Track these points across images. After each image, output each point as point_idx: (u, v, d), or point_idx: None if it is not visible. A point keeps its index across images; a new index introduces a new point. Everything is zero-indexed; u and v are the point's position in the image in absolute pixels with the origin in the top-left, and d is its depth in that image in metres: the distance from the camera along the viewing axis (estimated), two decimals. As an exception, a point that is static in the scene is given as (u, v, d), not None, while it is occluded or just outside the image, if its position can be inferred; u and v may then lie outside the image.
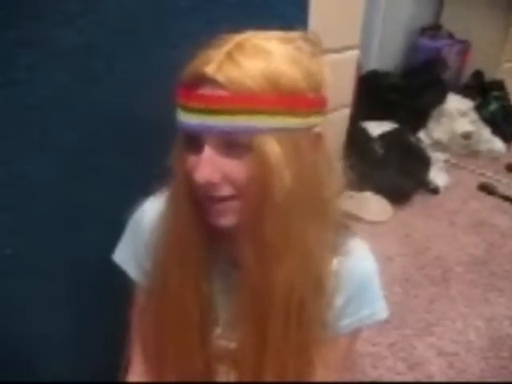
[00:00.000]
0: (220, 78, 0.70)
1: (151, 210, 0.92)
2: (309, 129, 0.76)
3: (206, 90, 0.72)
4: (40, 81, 0.97)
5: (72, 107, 1.02)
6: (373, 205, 2.72)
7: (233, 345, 0.90)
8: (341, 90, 2.47)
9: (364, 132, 2.98)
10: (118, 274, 0.99)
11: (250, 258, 0.78)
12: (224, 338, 0.92)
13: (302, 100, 0.74)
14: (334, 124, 2.47)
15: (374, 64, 3.61)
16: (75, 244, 1.13)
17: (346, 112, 2.58)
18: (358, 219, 2.58)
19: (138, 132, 1.11)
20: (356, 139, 2.74)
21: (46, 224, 1.08)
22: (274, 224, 0.75)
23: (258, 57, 0.72)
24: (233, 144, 0.73)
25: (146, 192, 0.94)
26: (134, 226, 0.97)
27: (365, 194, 2.73)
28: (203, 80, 0.71)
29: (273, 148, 0.72)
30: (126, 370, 1.00)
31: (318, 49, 0.80)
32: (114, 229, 0.99)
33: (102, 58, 1.03)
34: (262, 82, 0.70)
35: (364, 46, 3.00)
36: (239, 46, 0.73)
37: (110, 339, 1.01)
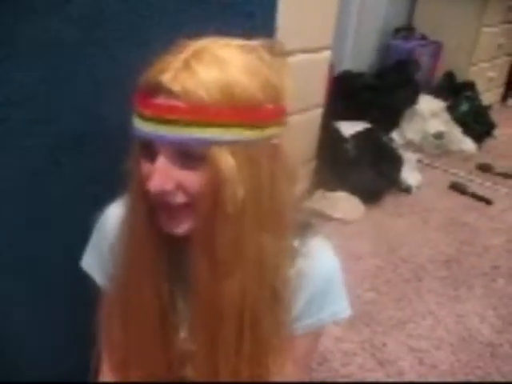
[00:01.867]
0: (175, 88, 0.69)
1: (115, 214, 0.92)
2: (266, 140, 0.76)
3: (161, 100, 0.71)
4: (5, 78, 0.95)
5: (38, 105, 1.01)
6: (345, 204, 2.73)
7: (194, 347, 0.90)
8: (313, 90, 2.48)
9: (337, 132, 3.00)
10: (87, 279, 0.99)
11: (202, 267, 0.78)
12: (188, 341, 0.92)
13: (259, 112, 0.73)
14: (307, 124, 2.49)
15: (347, 64, 3.64)
16: (43, 244, 1.12)
17: (318, 112, 2.59)
18: (330, 218, 2.60)
19: (106, 132, 1.10)
20: (329, 139, 2.76)
21: (11, 224, 1.07)
22: (225, 235, 0.75)
23: (215, 66, 0.71)
24: (187, 154, 0.72)
25: (114, 192, 0.93)
26: (99, 232, 0.97)
27: (337, 194, 2.74)
28: (159, 88, 0.71)
29: (226, 160, 0.71)
30: (96, 372, 1.00)
31: (280, 58, 0.79)
32: (83, 229, 0.98)
33: (70, 57, 1.02)
34: (217, 93, 0.69)
35: (337, 46, 3.02)
36: (197, 54, 0.72)
37: (81, 340, 1.00)
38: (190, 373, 0.96)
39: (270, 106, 0.75)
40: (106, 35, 1.05)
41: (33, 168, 1.05)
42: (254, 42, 0.78)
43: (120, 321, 0.91)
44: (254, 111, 0.73)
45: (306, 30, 2.27)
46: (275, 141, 0.77)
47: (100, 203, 0.95)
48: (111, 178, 0.90)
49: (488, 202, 3.02)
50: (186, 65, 0.70)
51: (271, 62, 0.77)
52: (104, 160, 1.10)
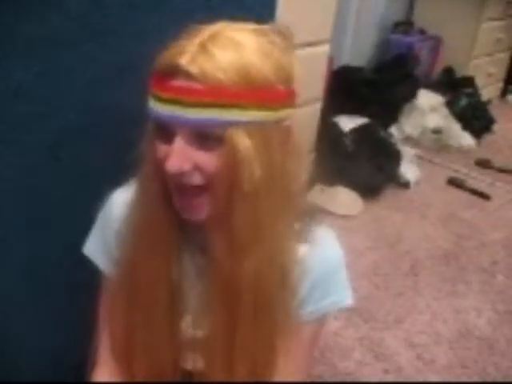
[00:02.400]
0: (193, 70, 0.70)
1: (120, 200, 0.92)
2: (279, 122, 0.77)
3: (179, 82, 0.72)
4: (8, 71, 0.95)
5: (37, 101, 1.01)
6: (343, 199, 2.73)
7: (199, 333, 0.90)
8: (312, 84, 2.47)
9: (335, 126, 2.99)
10: (86, 270, 0.98)
11: (219, 249, 0.79)
12: (192, 327, 0.93)
13: (273, 93, 0.75)
14: (306, 118, 2.48)
15: (346, 59, 3.63)
16: (43, 241, 1.12)
17: (317, 106, 2.59)
18: (328, 213, 2.59)
19: (107, 123, 1.10)
20: (327, 133, 2.75)
21: (11, 221, 1.07)
22: (242, 215, 0.77)
23: (231, 49, 0.72)
24: (204, 136, 0.73)
25: (114, 184, 0.94)
26: (104, 217, 0.97)
27: (336, 188, 2.74)
28: (177, 71, 0.72)
29: (243, 141, 0.73)
30: (93, 365, 0.99)
31: (289, 42, 0.81)
32: (83, 225, 0.99)
33: (68, 52, 1.01)
34: (234, 75, 0.71)
35: (337, 41, 3.01)
36: (213, 37, 0.73)
37: (79, 334, 1.00)
38: (190, 364, 0.97)
39: (282, 88, 0.76)
40: (105, 30, 1.05)
41: (32, 164, 1.05)
42: (265, 27, 0.79)
43: (125, 305, 0.91)
44: (268, 93, 0.74)
45: (305, 24, 2.26)
46: (287, 123, 0.79)
47: (100, 198, 0.95)
48: (111, 173, 0.90)
49: (486, 197, 3.02)
50: (203, 48, 0.72)
51: (282, 45, 0.78)
52: (103, 155, 1.10)
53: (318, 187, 2.63)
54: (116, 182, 0.94)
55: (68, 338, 1.17)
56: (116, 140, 1.03)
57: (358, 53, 3.77)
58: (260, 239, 0.79)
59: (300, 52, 2.48)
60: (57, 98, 1.03)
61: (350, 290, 0.93)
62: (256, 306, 0.82)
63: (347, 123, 3.06)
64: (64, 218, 1.11)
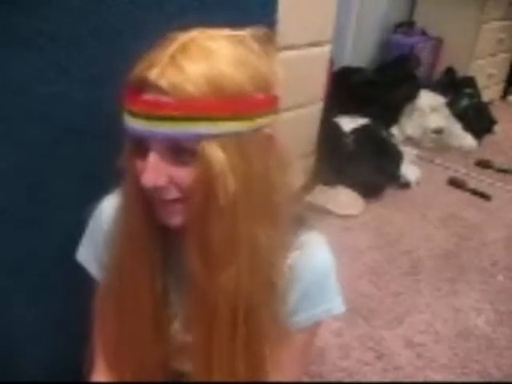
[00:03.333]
0: (163, 83, 0.69)
1: (109, 207, 0.92)
2: (257, 130, 0.75)
3: (149, 96, 0.71)
4: (5, 71, 0.95)
5: (37, 99, 1.01)
6: (344, 199, 2.74)
7: (189, 338, 0.90)
8: (313, 84, 2.48)
9: (336, 127, 3.00)
10: (83, 270, 0.99)
11: (196, 261, 0.78)
12: (182, 332, 0.93)
13: (249, 102, 0.73)
14: (307, 118, 2.49)
15: (347, 60, 3.63)
16: (38, 239, 1.12)
17: (318, 107, 2.60)
18: (329, 213, 2.60)
19: (107, 124, 1.09)
20: (328, 134, 2.76)
21: (9, 219, 1.07)
22: (219, 229, 0.75)
23: (202, 59, 0.71)
24: (177, 150, 0.73)
25: (113, 185, 0.93)
26: (94, 224, 0.97)
27: (337, 188, 2.75)
28: (147, 85, 0.71)
29: (217, 154, 0.71)
30: (89, 367, 1.00)
31: (269, 47, 0.79)
32: (82, 222, 0.98)
33: (68, 49, 1.02)
34: (205, 87, 0.69)
35: (338, 41, 3.02)
36: (183, 48, 0.72)
37: (76, 335, 1.01)
38: (182, 366, 0.96)
39: (260, 96, 0.75)
40: (106, 27, 1.05)
41: (31, 163, 1.05)
42: (242, 32, 0.78)
43: (113, 312, 0.91)
44: (242, 102, 0.73)
45: (306, 25, 2.27)
46: (268, 131, 0.77)
47: (98, 198, 0.95)
48: (111, 172, 0.90)
49: (487, 197, 3.02)
50: (173, 60, 0.70)
51: (260, 51, 0.77)
52: (103, 154, 1.10)
53: (319, 187, 2.64)
54: (116, 182, 0.92)
55: (65, 339, 1.17)
56: (116, 139, 1.03)
57: (359, 53, 3.78)
58: (238, 252, 0.77)
59: (301, 53, 2.51)
60: (57, 96, 1.03)
61: (342, 296, 0.92)
62: (235, 317, 0.80)
63: (348, 123, 3.07)
64: (63, 215, 1.11)
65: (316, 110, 2.58)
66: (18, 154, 1.03)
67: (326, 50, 2.52)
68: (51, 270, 1.15)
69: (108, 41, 1.06)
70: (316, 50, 2.43)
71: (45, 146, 1.05)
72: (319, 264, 0.89)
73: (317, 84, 2.53)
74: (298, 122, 2.27)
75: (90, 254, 0.99)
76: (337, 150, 2.82)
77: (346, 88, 3.30)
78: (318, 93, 2.55)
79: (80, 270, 1.00)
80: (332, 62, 2.79)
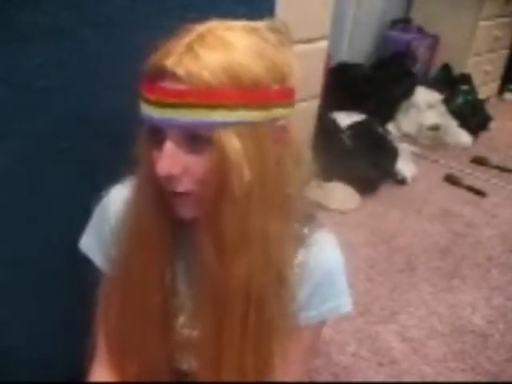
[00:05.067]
0: (179, 71, 0.70)
1: (118, 197, 0.92)
2: (272, 122, 0.76)
3: (166, 83, 0.71)
4: (4, 64, 0.95)
5: (37, 92, 1.00)
6: (340, 194, 2.74)
7: (195, 333, 0.90)
8: (310, 80, 2.48)
9: (333, 122, 3.00)
10: (85, 263, 0.99)
11: (208, 252, 0.78)
12: (187, 327, 0.92)
13: (265, 93, 0.74)
14: (303, 114, 2.49)
15: (344, 56, 3.64)
16: (42, 231, 1.12)
17: (314, 103, 2.59)
18: (325, 209, 2.61)
19: (107, 117, 1.10)
20: (325, 130, 2.76)
21: (10, 213, 1.07)
22: (232, 219, 0.75)
23: (219, 49, 0.71)
24: (194, 138, 0.73)
25: (113, 178, 0.94)
26: (101, 213, 0.96)
27: (333, 184, 2.75)
28: (163, 73, 0.71)
29: (232, 142, 0.72)
30: (90, 359, 0.99)
31: (285, 38, 0.79)
32: (82, 215, 0.98)
33: (68, 42, 1.01)
34: (222, 75, 0.70)
35: (335, 38, 3.02)
36: (200, 38, 0.72)
37: (77, 328, 1.00)
38: (184, 364, 0.96)
39: (276, 87, 0.75)
40: (105, 20, 1.04)
41: (31, 156, 1.05)
42: (259, 23, 0.78)
43: (120, 304, 0.91)
44: (258, 92, 0.73)
45: (303, 21, 2.26)
46: (282, 122, 0.78)
47: (99, 190, 0.95)
48: (111, 166, 0.90)
49: (482, 194, 3.03)
50: (190, 48, 0.71)
51: (276, 43, 0.77)
52: (103, 146, 1.10)
53: (315, 183, 2.63)
54: (116, 176, 0.93)
55: (66, 334, 1.17)
56: (116, 132, 1.02)
57: (356, 50, 3.78)
58: (251, 243, 0.77)
59: (298, 48, 2.48)
60: (57, 88, 1.02)
61: (349, 295, 0.92)
62: (246, 310, 0.80)
63: (345, 119, 3.07)
64: (63, 208, 1.11)
65: (313, 105, 2.58)
66: (16, 149, 1.02)
67: (323, 45, 2.51)
68: (51, 264, 1.14)
69: (108, 34, 1.06)
70: (313, 46, 2.43)
71: (43, 141, 1.05)
72: (330, 262, 0.89)
73: (314, 80, 2.53)
74: (294, 118, 2.26)
75: (95, 242, 0.98)
76: (333, 146, 2.82)
77: (343, 84, 3.30)
78: (314, 88, 2.55)
79: (80, 265, 0.99)
80: (329, 57, 2.79)
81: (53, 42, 0.99)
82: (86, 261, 0.99)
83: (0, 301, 1.12)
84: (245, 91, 0.71)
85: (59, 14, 0.98)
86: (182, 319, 0.93)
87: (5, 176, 1.03)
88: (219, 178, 0.73)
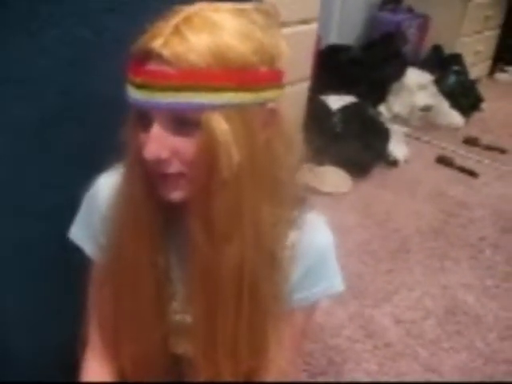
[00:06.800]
0: (166, 53, 0.69)
1: (107, 184, 0.91)
2: (262, 104, 0.76)
3: (152, 66, 0.71)
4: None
5: (21, 80, 0.99)
6: (332, 177, 2.74)
7: (188, 318, 0.90)
8: (300, 63, 2.46)
9: (324, 105, 2.99)
10: (75, 252, 0.98)
11: (199, 236, 0.78)
12: (181, 312, 0.92)
13: (253, 75, 0.73)
14: (293, 97, 2.47)
15: (334, 38, 3.62)
16: (31, 220, 1.11)
17: (305, 85, 2.58)
18: (317, 192, 2.60)
19: (94, 105, 1.09)
20: (316, 112, 2.74)
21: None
22: (222, 201, 0.75)
23: (206, 31, 0.70)
24: (181, 121, 0.72)
25: (102, 166, 0.93)
26: (90, 201, 0.96)
27: (324, 167, 2.74)
28: (150, 55, 0.70)
29: (220, 124, 0.71)
30: (83, 348, 0.99)
31: (273, 21, 0.79)
32: (71, 205, 0.97)
33: (54, 30, 1.00)
34: (209, 57, 0.69)
35: (324, 19, 2.99)
36: (188, 20, 0.71)
37: (68, 316, 1.00)
38: (181, 349, 0.96)
39: (265, 69, 0.75)
40: (92, 7, 1.03)
41: (18, 148, 1.04)
42: (246, 5, 0.77)
43: (113, 291, 0.90)
44: (247, 74, 0.72)
45: (292, 2, 2.24)
46: (272, 105, 0.77)
47: (88, 178, 0.94)
48: (100, 152, 0.89)
49: (474, 174, 3.03)
50: (177, 30, 0.70)
51: (264, 25, 0.76)
52: (91, 134, 1.09)
53: (306, 166, 2.63)
54: (105, 164, 0.93)
55: (59, 323, 1.16)
56: (102, 122, 1.01)
57: (346, 31, 3.75)
58: (242, 226, 0.78)
59: (288, 31, 2.47)
60: (42, 77, 1.01)
61: (341, 275, 0.93)
62: (239, 292, 0.81)
63: (335, 102, 3.06)
64: (51, 197, 1.10)
65: (303, 88, 2.56)
66: (1, 139, 1.01)
67: (313, 27, 2.49)
68: (41, 253, 1.14)
69: (95, 22, 1.04)
70: (303, 28, 2.41)
71: (32, 128, 1.04)
72: (321, 243, 0.90)
73: (304, 62, 2.51)
74: (284, 101, 2.25)
75: (85, 231, 0.98)
76: (324, 129, 2.81)
77: (333, 66, 3.28)
78: (305, 71, 2.53)
79: (71, 254, 0.99)
80: (319, 40, 2.76)
81: (39, 31, 0.98)
82: (76, 250, 0.98)
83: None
84: (232, 73, 0.71)
85: (46, 2, 0.96)
86: (175, 304, 0.93)
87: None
88: (208, 160, 0.73)
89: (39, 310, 1.19)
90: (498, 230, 2.56)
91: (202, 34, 0.70)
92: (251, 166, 0.75)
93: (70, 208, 0.98)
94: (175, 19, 0.72)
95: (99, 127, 1.04)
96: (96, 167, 0.93)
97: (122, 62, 0.75)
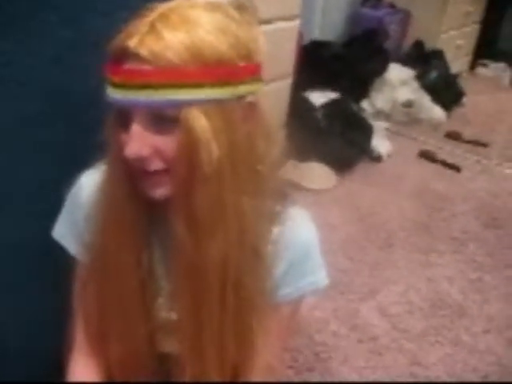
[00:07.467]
0: (142, 52, 0.69)
1: (89, 183, 0.91)
2: (240, 98, 0.76)
3: (130, 65, 0.71)
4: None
5: (7, 79, 0.99)
6: (316, 174, 2.74)
7: (174, 315, 0.90)
8: (282, 60, 2.46)
9: (306, 101, 2.99)
10: (58, 251, 0.97)
11: (183, 232, 0.78)
12: (166, 309, 0.92)
13: (230, 69, 0.74)
14: (276, 94, 2.48)
15: (316, 34, 3.62)
16: (13, 220, 1.10)
17: (287, 82, 2.58)
18: (301, 188, 2.60)
19: (77, 104, 1.08)
20: (298, 109, 2.74)
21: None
22: (204, 197, 0.76)
23: (182, 27, 0.71)
24: (160, 118, 0.72)
25: (86, 165, 0.93)
26: (73, 200, 0.95)
27: (308, 163, 2.74)
28: (127, 54, 0.71)
29: (199, 120, 0.72)
30: (69, 348, 0.99)
31: (250, 15, 0.79)
32: (56, 203, 0.97)
33: (33, 28, 0.99)
34: (185, 54, 0.69)
35: (306, 15, 2.99)
36: (163, 17, 0.72)
37: (53, 317, 1.00)
38: (168, 347, 0.96)
39: (242, 64, 0.75)
40: (74, 6, 1.02)
41: (4, 143, 1.03)
42: (222, 1, 0.78)
43: (97, 290, 0.90)
44: (224, 69, 0.73)
45: (274, -1, 2.25)
46: (251, 99, 0.77)
47: (71, 177, 0.94)
48: (84, 150, 0.89)
49: (457, 169, 3.06)
50: (152, 28, 0.71)
51: (240, 19, 0.77)
52: (75, 133, 1.09)
53: (290, 163, 2.63)
54: (89, 163, 0.93)
55: (43, 323, 1.16)
56: (84, 116, 1.02)
57: (328, 27, 3.75)
58: (225, 220, 0.78)
59: (270, 27, 2.47)
60: (26, 76, 1.01)
61: (325, 270, 0.93)
62: (224, 288, 0.81)
63: (318, 98, 3.06)
64: (36, 195, 1.10)
65: (286, 84, 2.56)
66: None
67: (295, 24, 2.49)
68: (26, 252, 1.13)
69: (74, 18, 1.04)
70: (285, 25, 2.41)
71: (16, 126, 1.03)
72: (304, 237, 0.90)
73: (286, 58, 2.51)
74: (267, 97, 2.24)
75: (68, 230, 0.97)
76: (307, 125, 2.80)
77: (315, 62, 3.27)
78: (287, 67, 2.53)
79: (55, 253, 0.98)
80: (301, 36, 2.77)
81: (18, 28, 0.97)
82: (60, 249, 0.98)
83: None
84: (209, 69, 0.71)
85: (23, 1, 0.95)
86: (160, 300, 0.93)
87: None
88: (188, 156, 0.73)
89: (22, 310, 1.17)
90: (481, 223, 2.58)
91: (177, 32, 0.70)
92: (232, 160, 0.76)
93: (56, 207, 0.98)
94: (151, 16, 0.72)
95: (82, 126, 1.04)
96: (80, 166, 0.93)
97: (104, 60, 0.75)
